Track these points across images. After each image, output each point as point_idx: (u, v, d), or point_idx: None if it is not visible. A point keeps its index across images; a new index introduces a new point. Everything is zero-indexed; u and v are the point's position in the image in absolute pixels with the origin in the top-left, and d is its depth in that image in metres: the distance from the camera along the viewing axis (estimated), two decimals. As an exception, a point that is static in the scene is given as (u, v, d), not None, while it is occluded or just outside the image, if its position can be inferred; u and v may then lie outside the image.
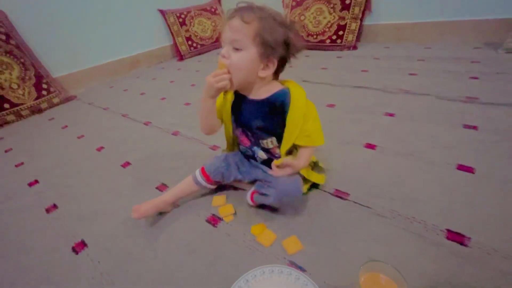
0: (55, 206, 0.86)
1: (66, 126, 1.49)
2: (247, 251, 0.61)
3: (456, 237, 0.57)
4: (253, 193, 0.72)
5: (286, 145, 0.64)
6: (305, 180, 0.70)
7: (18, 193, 0.96)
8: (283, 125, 0.62)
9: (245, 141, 0.72)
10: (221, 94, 0.68)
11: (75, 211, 0.83)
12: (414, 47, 1.85)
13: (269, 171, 0.65)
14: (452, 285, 0.49)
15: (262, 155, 0.71)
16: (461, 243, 0.55)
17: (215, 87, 0.56)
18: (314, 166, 0.76)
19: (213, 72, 0.56)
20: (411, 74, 1.43)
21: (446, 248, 0.55)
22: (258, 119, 0.64)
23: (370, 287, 0.44)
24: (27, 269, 0.66)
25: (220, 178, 0.75)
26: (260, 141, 0.67)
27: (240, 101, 0.65)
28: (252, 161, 0.76)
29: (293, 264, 0.56)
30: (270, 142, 0.66)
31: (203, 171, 0.75)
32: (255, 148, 0.71)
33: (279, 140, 0.65)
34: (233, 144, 0.78)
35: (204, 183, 0.75)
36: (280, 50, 0.56)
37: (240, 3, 0.56)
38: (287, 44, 0.56)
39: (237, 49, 0.55)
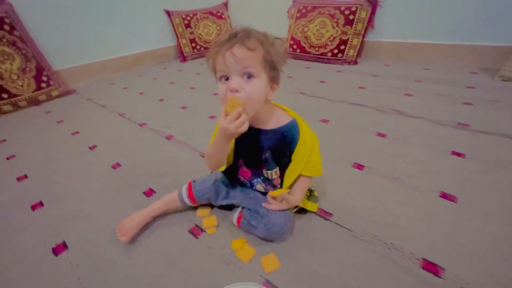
0: (41, 203, 0.87)
1: (62, 121, 1.50)
2: (225, 265, 0.62)
3: (431, 267, 0.57)
4: (240, 217, 0.70)
5: (290, 178, 0.64)
6: (297, 206, 0.71)
7: (6, 187, 0.97)
8: (288, 155, 0.62)
9: (246, 173, 0.70)
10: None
11: (60, 210, 0.83)
12: (412, 67, 1.87)
13: (263, 204, 0.65)
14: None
15: (260, 188, 0.71)
16: (436, 274, 0.56)
17: (236, 132, 0.51)
18: (310, 195, 0.75)
19: (228, 117, 0.49)
20: (406, 95, 1.45)
21: (420, 278, 0.56)
22: (267, 150, 0.62)
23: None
24: (4, 267, 0.66)
25: (206, 202, 0.75)
26: (264, 171, 0.66)
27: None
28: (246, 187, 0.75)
29: (268, 283, 0.57)
30: (274, 172, 0.66)
31: (190, 191, 0.73)
32: (255, 180, 0.70)
33: (282, 168, 0.65)
34: (231, 169, 0.74)
35: (189, 203, 0.74)
36: (281, 70, 0.56)
37: (232, 31, 0.53)
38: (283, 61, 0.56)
39: (249, 77, 0.51)
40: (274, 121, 0.61)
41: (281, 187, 0.69)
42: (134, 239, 0.70)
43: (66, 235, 0.74)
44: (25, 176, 1.02)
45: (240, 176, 0.72)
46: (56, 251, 0.69)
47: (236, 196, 0.73)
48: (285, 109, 0.63)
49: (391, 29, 2.03)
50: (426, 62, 1.92)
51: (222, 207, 0.76)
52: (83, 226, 0.76)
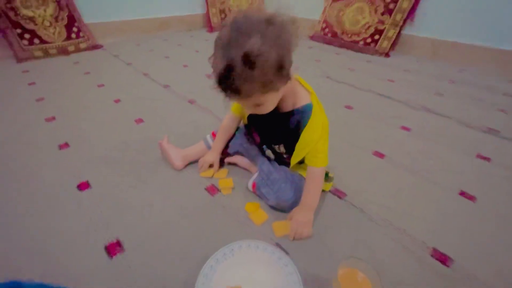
0: (67, 144, 0.91)
1: (89, 73, 1.53)
2: (237, 225, 0.64)
3: (440, 257, 0.58)
4: (255, 183, 0.72)
5: (296, 158, 0.64)
6: None
7: (36, 126, 1.01)
8: (295, 136, 0.61)
9: (257, 138, 0.74)
10: None
11: (85, 153, 0.87)
12: (447, 67, 1.79)
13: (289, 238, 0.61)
14: (425, 298, 0.50)
15: (270, 154, 0.73)
16: (444, 263, 0.56)
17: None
18: (325, 175, 0.73)
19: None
20: (437, 94, 1.39)
21: (428, 265, 0.56)
22: (274, 128, 0.65)
23: (347, 281, 0.46)
24: (33, 198, 0.70)
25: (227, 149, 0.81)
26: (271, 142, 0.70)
27: None
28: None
29: (278, 245, 0.59)
30: (277, 148, 0.69)
31: (213, 134, 0.82)
32: (264, 146, 0.73)
33: (288, 146, 0.66)
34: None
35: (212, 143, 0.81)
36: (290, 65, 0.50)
37: (222, 64, 0.45)
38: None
39: (259, 105, 0.52)
40: (291, 103, 0.59)
41: (289, 162, 0.68)
42: (152, 188, 0.74)
43: (90, 176, 0.77)
44: (53, 118, 1.06)
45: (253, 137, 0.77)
46: (80, 187, 0.73)
47: (252, 151, 0.77)
48: (306, 87, 0.61)
49: (431, 24, 1.91)
50: (462, 64, 1.82)
51: (239, 170, 0.79)
52: (106, 170, 0.80)
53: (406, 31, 1.99)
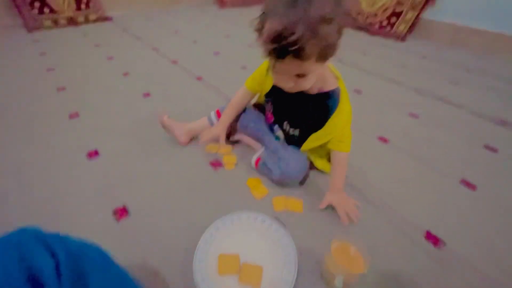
0: (77, 114, 0.93)
1: (98, 45, 1.53)
2: (238, 198, 0.66)
3: (432, 239, 0.59)
4: (258, 160, 0.73)
5: (319, 141, 0.63)
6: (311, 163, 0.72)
7: (47, 95, 1.03)
8: (317, 119, 0.60)
9: (269, 117, 0.73)
10: (264, 68, 0.65)
11: (94, 123, 0.89)
12: (466, 55, 1.72)
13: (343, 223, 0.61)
14: (412, 275, 0.52)
15: (280, 134, 0.73)
16: (435, 245, 0.58)
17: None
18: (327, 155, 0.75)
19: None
20: (451, 82, 1.35)
21: (420, 246, 0.58)
22: (297, 109, 0.63)
23: (339, 254, 0.48)
24: (44, 163, 0.74)
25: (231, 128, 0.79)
26: (285, 123, 0.69)
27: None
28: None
29: (276, 219, 0.61)
30: (292, 130, 0.68)
31: (219, 116, 0.79)
32: (276, 126, 0.73)
33: (303, 130, 0.66)
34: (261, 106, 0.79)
35: (216, 121, 0.79)
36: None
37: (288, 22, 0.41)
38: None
39: (302, 76, 0.49)
40: (318, 87, 0.58)
41: (300, 146, 0.69)
42: (158, 160, 0.76)
43: (98, 145, 0.80)
44: (64, 88, 1.08)
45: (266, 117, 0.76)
46: (90, 155, 0.76)
47: (258, 127, 0.76)
48: (335, 72, 0.60)
49: (453, 9, 1.81)
50: (482, 52, 1.74)
51: (243, 147, 0.80)
52: (114, 140, 0.82)
53: (426, 14, 1.89)
